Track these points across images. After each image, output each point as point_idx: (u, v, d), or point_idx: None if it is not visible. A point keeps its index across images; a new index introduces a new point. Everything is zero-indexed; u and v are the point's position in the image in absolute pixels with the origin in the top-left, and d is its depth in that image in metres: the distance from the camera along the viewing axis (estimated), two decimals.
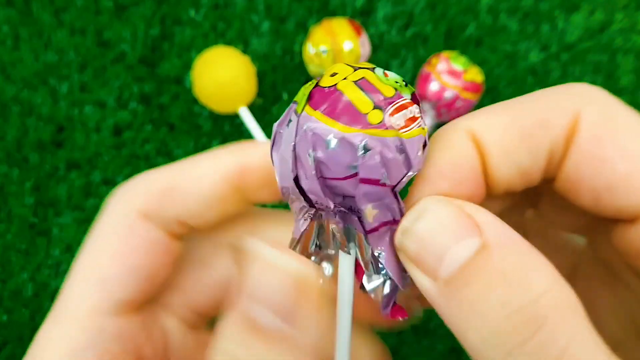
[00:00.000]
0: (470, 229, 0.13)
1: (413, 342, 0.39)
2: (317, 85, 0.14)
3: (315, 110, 0.13)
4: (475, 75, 0.40)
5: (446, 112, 0.40)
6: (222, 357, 0.14)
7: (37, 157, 0.41)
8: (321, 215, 0.15)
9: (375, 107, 0.13)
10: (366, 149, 0.13)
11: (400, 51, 0.44)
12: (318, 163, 0.13)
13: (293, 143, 0.13)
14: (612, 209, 0.14)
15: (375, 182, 0.14)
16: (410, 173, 0.14)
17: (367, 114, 0.13)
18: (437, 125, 0.43)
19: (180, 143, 0.42)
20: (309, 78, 0.44)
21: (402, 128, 0.13)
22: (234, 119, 0.42)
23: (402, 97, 0.14)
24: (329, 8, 0.45)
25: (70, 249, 0.40)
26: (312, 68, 0.41)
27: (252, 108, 0.42)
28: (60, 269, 0.40)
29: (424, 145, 0.14)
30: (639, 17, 0.47)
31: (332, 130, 0.13)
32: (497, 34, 0.45)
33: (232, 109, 0.40)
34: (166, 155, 0.42)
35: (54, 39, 0.43)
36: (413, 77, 0.44)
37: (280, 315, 0.14)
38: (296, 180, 0.14)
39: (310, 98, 0.13)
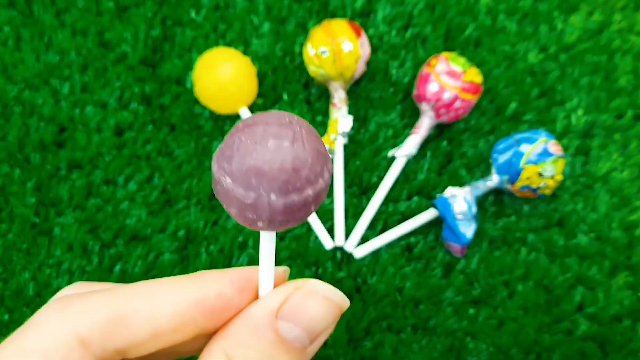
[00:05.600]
0: None
1: (412, 340, 0.39)
2: None
3: None
4: (474, 76, 0.40)
5: (445, 113, 0.40)
6: (240, 351, 0.16)
7: (38, 157, 0.41)
8: None
9: None
10: None
11: (399, 52, 0.45)
12: None
13: None
14: None
15: None
16: None
17: None
18: (437, 126, 0.43)
19: (181, 143, 0.42)
20: (309, 79, 0.44)
21: None
22: (235, 119, 0.43)
23: None
24: (328, 9, 0.45)
25: (72, 249, 0.40)
26: (312, 69, 0.41)
27: (253, 108, 0.42)
28: (61, 269, 0.40)
29: None
30: (638, 18, 0.47)
31: None
32: (496, 35, 0.45)
33: (232, 109, 0.40)
34: (167, 155, 0.42)
35: (55, 40, 0.44)
36: (412, 78, 0.44)
37: (311, 335, 0.17)
38: None
39: None
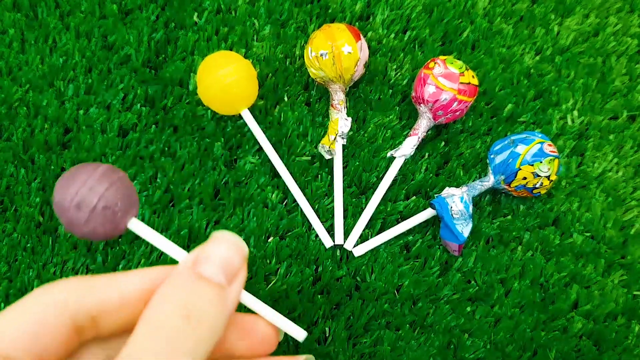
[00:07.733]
0: None
1: (410, 337, 0.40)
2: None
3: None
4: (471, 78, 0.41)
5: (443, 114, 0.41)
6: (169, 295, 0.19)
7: (43, 158, 0.42)
8: None
9: None
10: None
11: (398, 55, 0.45)
12: None
13: None
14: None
15: None
16: None
17: None
18: (435, 127, 0.44)
19: (184, 144, 0.43)
20: (309, 81, 0.45)
21: None
22: (237, 120, 0.43)
23: None
24: (328, 13, 0.46)
25: (76, 248, 0.41)
26: (312, 71, 0.42)
27: (254, 110, 0.43)
28: (66, 267, 0.40)
29: None
30: (633, 21, 0.48)
31: None
32: (493, 38, 0.46)
33: (234, 111, 0.41)
34: (170, 156, 0.43)
35: (59, 43, 0.44)
36: (410, 80, 0.45)
37: (225, 273, 0.20)
38: None
39: None
